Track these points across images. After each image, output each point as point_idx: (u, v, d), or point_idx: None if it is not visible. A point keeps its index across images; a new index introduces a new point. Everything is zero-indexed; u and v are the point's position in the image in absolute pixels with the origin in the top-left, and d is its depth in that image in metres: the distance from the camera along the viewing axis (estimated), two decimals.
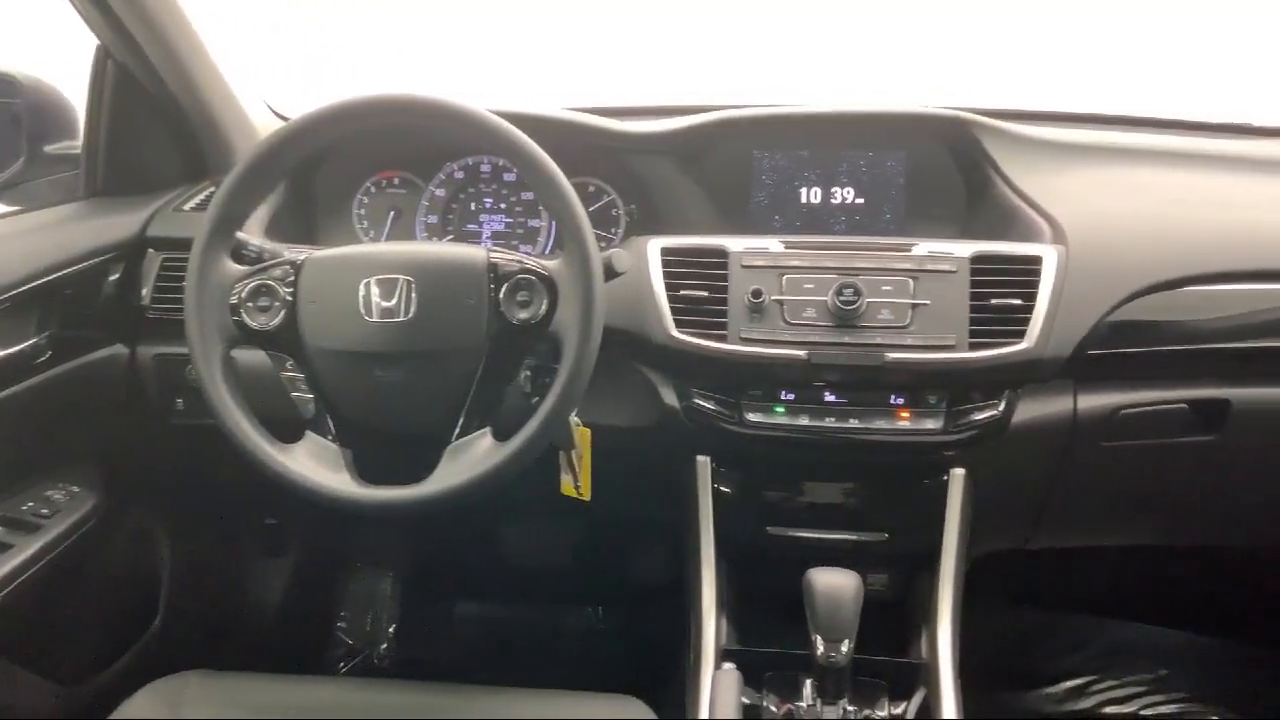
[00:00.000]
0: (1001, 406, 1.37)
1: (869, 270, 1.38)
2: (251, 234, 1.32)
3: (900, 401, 1.38)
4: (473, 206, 1.68)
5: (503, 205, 1.68)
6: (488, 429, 1.22)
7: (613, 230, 1.65)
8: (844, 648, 1.23)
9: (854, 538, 1.45)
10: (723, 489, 1.46)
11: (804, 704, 1.28)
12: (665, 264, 1.41)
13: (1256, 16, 2.13)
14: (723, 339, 1.37)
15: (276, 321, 1.23)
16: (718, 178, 1.62)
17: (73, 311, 1.47)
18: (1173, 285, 1.37)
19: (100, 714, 1.22)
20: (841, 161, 1.63)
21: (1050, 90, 1.99)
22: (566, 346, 1.19)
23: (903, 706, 1.37)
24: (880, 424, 1.38)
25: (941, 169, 1.60)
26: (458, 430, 1.22)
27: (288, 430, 1.24)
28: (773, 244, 1.43)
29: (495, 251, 1.24)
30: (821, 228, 1.63)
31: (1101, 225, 1.43)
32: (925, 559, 1.43)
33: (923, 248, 1.40)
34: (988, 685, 1.90)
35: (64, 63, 1.62)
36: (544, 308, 1.21)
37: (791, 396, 1.40)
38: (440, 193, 1.68)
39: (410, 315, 1.20)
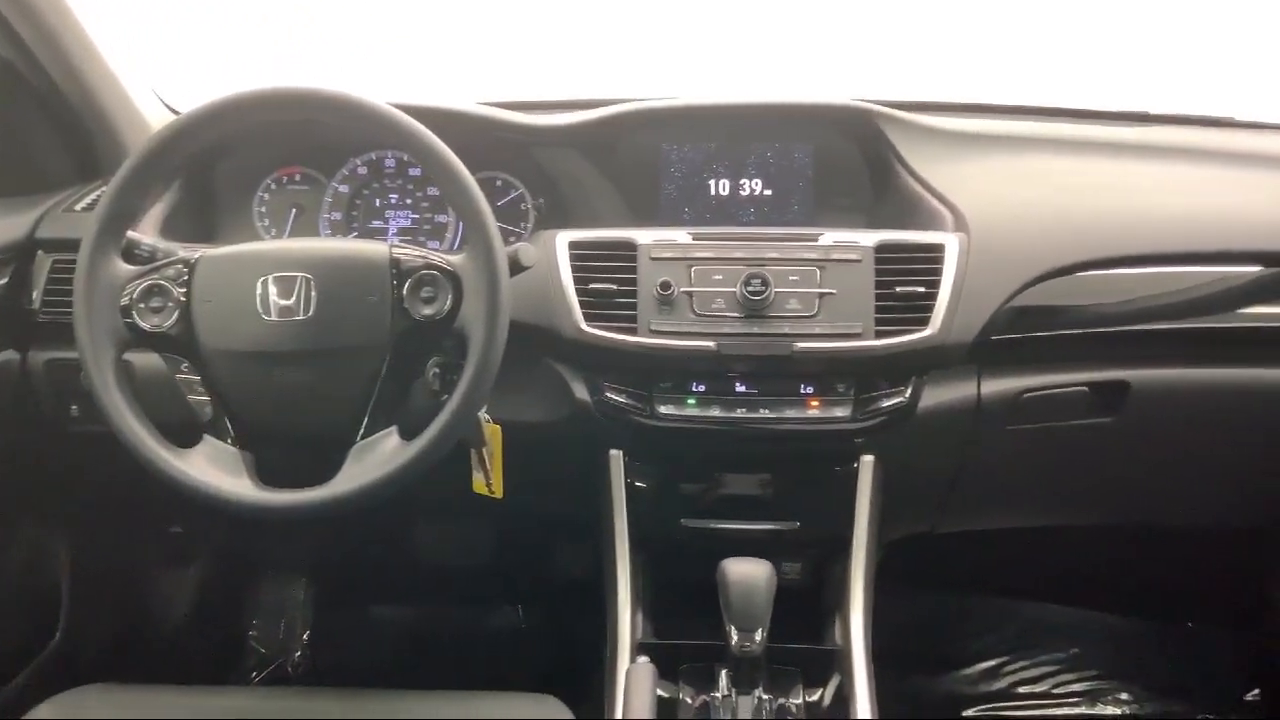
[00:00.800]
0: (908, 393, 1.39)
1: (776, 261, 1.39)
2: (146, 233, 1.29)
3: (809, 390, 1.39)
4: (378, 203, 1.65)
5: (408, 201, 1.65)
6: (394, 428, 1.20)
7: (522, 224, 1.64)
8: (758, 637, 1.24)
9: (767, 527, 1.46)
10: (636, 482, 1.45)
11: (719, 695, 1.28)
12: (573, 257, 1.40)
13: (1151, 5, 2.19)
14: (632, 332, 1.36)
15: (170, 323, 1.19)
16: (627, 170, 1.62)
17: None
18: (1071, 270, 1.40)
19: None
20: (750, 153, 1.63)
21: (952, 81, 2.02)
22: (472, 343, 1.17)
23: (818, 693, 1.38)
24: (790, 413, 1.39)
25: (847, 159, 1.61)
26: (362, 430, 1.20)
27: (185, 435, 1.20)
28: (681, 236, 1.42)
29: (398, 247, 1.22)
30: (731, 219, 1.63)
31: (1001, 213, 1.45)
32: (838, 546, 1.44)
33: (829, 237, 1.41)
34: (902, 669, 1.92)
35: None
36: (448, 304, 1.19)
37: (702, 388, 1.40)
38: (343, 189, 1.64)
39: (310, 314, 1.17)
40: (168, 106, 1.71)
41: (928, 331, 1.34)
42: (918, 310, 1.35)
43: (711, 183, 1.64)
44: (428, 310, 1.19)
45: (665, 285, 1.36)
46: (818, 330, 1.35)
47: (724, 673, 1.29)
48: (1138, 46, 2.16)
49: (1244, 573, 2.00)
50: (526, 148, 1.60)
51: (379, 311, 1.19)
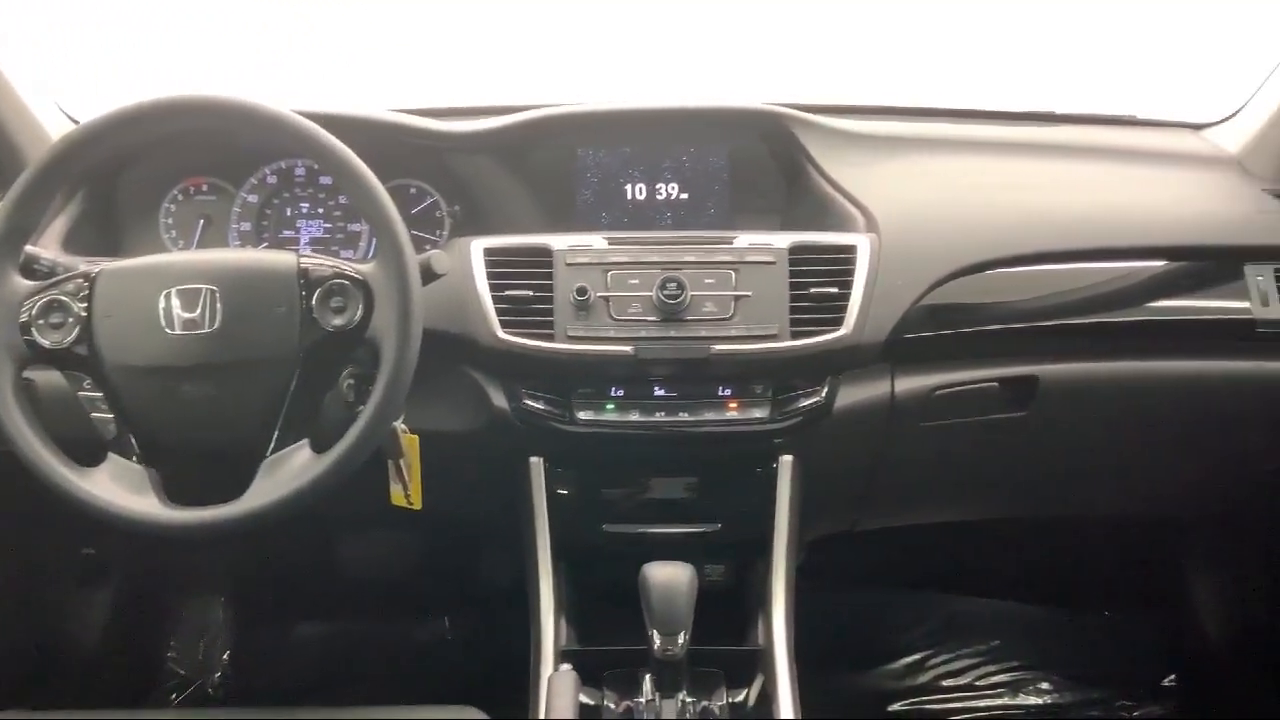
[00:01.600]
0: (824, 393, 1.40)
1: (692, 264, 1.39)
2: (48, 248, 1.25)
3: (728, 392, 1.40)
4: (288, 212, 1.62)
5: (320, 210, 1.62)
6: (305, 441, 1.18)
7: (437, 232, 1.63)
8: (680, 640, 1.23)
9: (689, 530, 1.46)
10: (557, 489, 1.45)
11: (643, 700, 1.28)
12: (489, 264, 1.39)
13: (1054, 8, 2.24)
14: (549, 338, 1.36)
15: (71, 339, 1.16)
16: (542, 176, 1.61)
17: None
18: (980, 268, 1.42)
19: None
20: (665, 157, 1.64)
21: (863, 84, 2.05)
22: (384, 353, 1.16)
23: (742, 694, 1.38)
24: (709, 415, 1.40)
25: (761, 163, 1.62)
26: (273, 444, 1.18)
27: (89, 453, 1.17)
28: (597, 241, 1.42)
29: (306, 257, 1.21)
30: (648, 223, 1.63)
31: (911, 213, 1.47)
32: (759, 546, 1.45)
33: (743, 240, 1.42)
34: (828, 667, 1.94)
35: None
36: (359, 313, 1.18)
37: (621, 393, 1.40)
38: (252, 199, 1.61)
39: (215, 326, 1.15)
40: (69, 117, 1.67)
41: (842, 331, 1.36)
42: (832, 311, 1.37)
43: (628, 187, 1.64)
44: (338, 320, 1.18)
45: (581, 291, 1.36)
46: (734, 333, 1.36)
47: (647, 677, 1.29)
48: (1042, 49, 2.20)
49: (1159, 561, 2.05)
50: (440, 154, 1.58)
51: (287, 323, 1.17)
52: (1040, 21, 2.27)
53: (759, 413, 1.40)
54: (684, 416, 1.39)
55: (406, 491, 1.39)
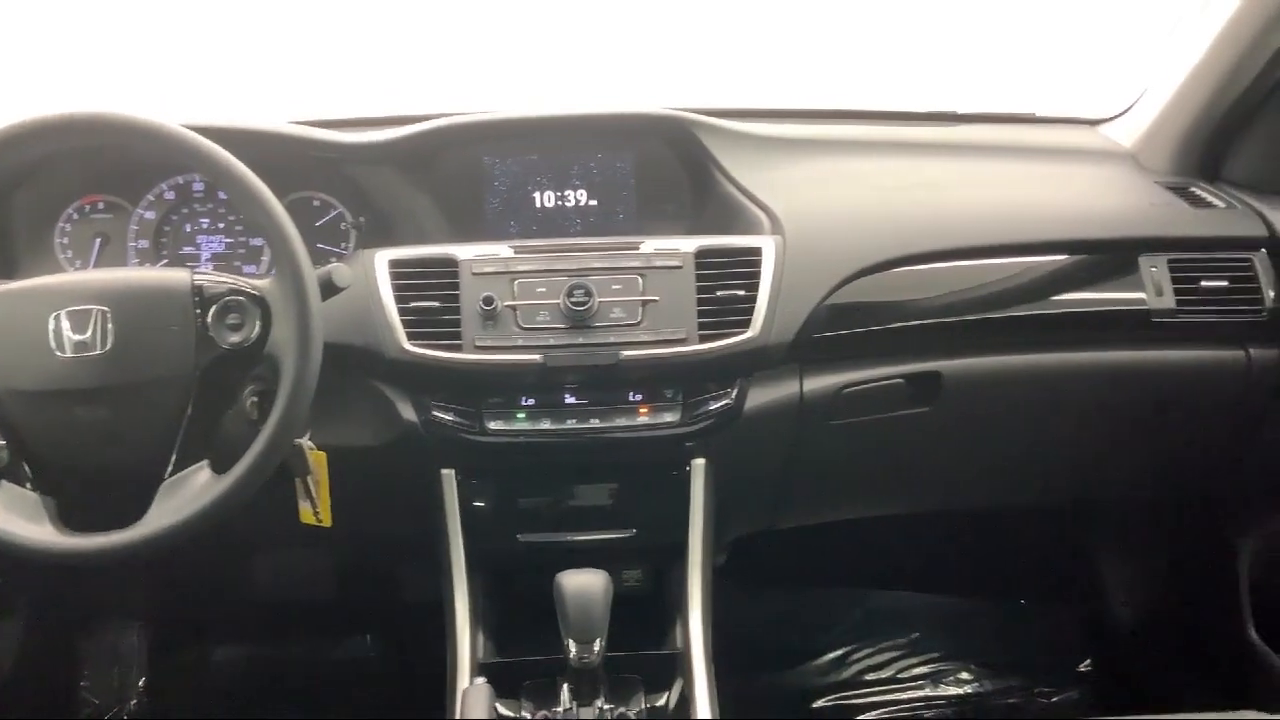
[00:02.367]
0: (734, 394, 1.41)
1: (599, 270, 1.39)
2: None
3: (638, 398, 1.40)
4: (188, 228, 1.59)
5: (220, 225, 1.59)
6: (205, 462, 1.16)
7: (343, 244, 1.60)
8: (596, 647, 1.23)
9: (604, 536, 1.46)
10: (471, 500, 1.44)
11: (560, 709, 1.27)
12: (394, 276, 1.37)
13: (956, 11, 2.28)
14: (457, 349, 1.35)
15: None
16: (449, 186, 1.60)
17: None
18: (883, 267, 1.44)
19: None
20: (573, 164, 1.63)
21: (768, 88, 2.06)
22: (284, 369, 1.14)
23: (661, 698, 1.38)
24: (620, 421, 1.40)
25: (668, 168, 1.63)
26: (171, 466, 1.16)
27: None
28: (502, 250, 1.42)
29: (201, 274, 1.19)
30: (558, 230, 1.63)
31: (816, 214, 1.49)
32: (676, 550, 1.45)
33: (649, 245, 1.42)
34: (750, 667, 1.96)
35: None
36: (257, 330, 1.16)
37: (532, 401, 1.39)
38: (150, 215, 1.58)
39: (108, 348, 1.13)
40: None
41: (749, 333, 1.37)
42: (739, 313, 1.38)
43: (536, 195, 1.63)
44: (235, 338, 1.16)
45: (488, 300, 1.35)
46: (642, 338, 1.36)
47: (565, 686, 1.29)
48: (944, 49, 2.24)
49: (1071, 549, 2.09)
50: (343, 166, 1.56)
51: (182, 342, 1.15)
52: (942, 23, 2.31)
53: (670, 417, 1.40)
54: (595, 423, 1.39)
55: (316, 509, 1.36)
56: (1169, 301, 1.49)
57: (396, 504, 1.50)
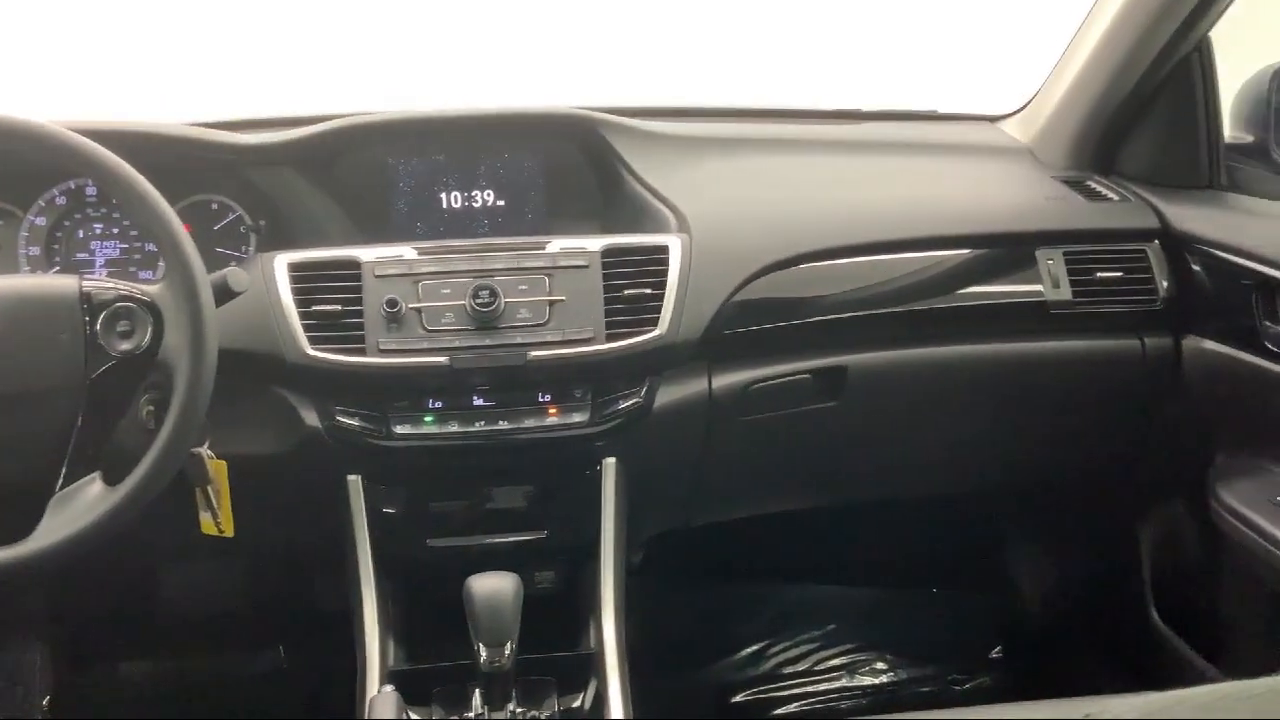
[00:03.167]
0: (643, 393, 1.41)
1: (505, 271, 1.38)
2: None
3: (547, 398, 1.39)
4: (81, 234, 1.54)
5: (115, 230, 1.54)
6: (97, 474, 1.12)
7: (243, 248, 1.57)
8: (506, 651, 1.22)
9: (515, 539, 1.45)
10: (380, 506, 1.41)
11: (471, 714, 1.26)
12: (294, 279, 1.35)
13: (856, 11, 2.31)
14: (361, 352, 1.33)
15: None
16: (352, 187, 1.58)
17: None
18: (789, 264, 1.46)
19: None
20: (480, 164, 1.62)
21: (676, 87, 2.07)
22: (178, 376, 1.11)
23: (579, 699, 1.38)
24: (530, 422, 1.39)
25: (576, 167, 1.62)
26: (61, 479, 1.12)
27: None
28: (406, 251, 1.40)
29: (90, 279, 1.15)
30: (465, 231, 1.61)
31: (722, 212, 1.50)
32: (588, 550, 1.45)
33: (555, 245, 1.42)
34: (667, 665, 1.96)
35: None
36: (148, 337, 1.13)
37: (439, 404, 1.38)
38: (41, 221, 1.52)
39: None
40: None
41: (657, 332, 1.37)
42: (646, 311, 1.38)
43: (443, 196, 1.61)
44: (126, 345, 1.13)
45: (392, 303, 1.33)
46: (550, 338, 1.36)
47: (476, 691, 1.27)
48: (849, 49, 2.27)
49: (981, 538, 2.13)
50: (241, 168, 1.53)
51: (71, 350, 1.11)
52: (846, 22, 2.34)
53: (579, 417, 1.40)
54: (504, 425, 1.38)
55: (217, 519, 1.33)
56: (1065, 293, 1.52)
57: (302, 512, 1.47)
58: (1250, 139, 1.61)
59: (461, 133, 1.61)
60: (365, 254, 1.38)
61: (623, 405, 1.41)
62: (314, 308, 1.34)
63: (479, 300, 1.34)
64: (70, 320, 1.11)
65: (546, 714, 1.31)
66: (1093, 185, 1.65)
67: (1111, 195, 1.62)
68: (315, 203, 1.56)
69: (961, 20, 2.36)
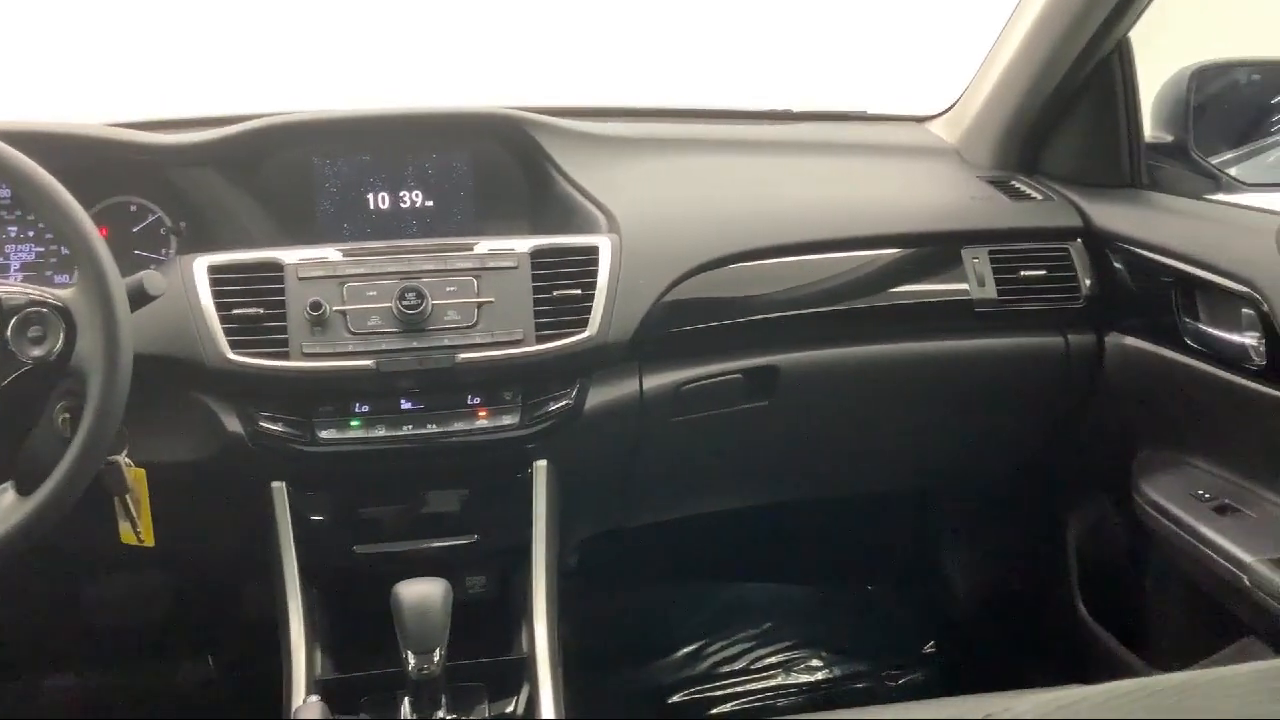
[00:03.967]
0: (574, 395, 1.40)
1: (432, 272, 1.37)
2: None
3: (477, 401, 1.38)
4: None
5: (30, 234, 1.50)
6: (9, 484, 1.09)
7: (163, 250, 1.53)
8: (436, 657, 1.21)
9: (445, 544, 1.43)
10: (304, 513, 1.39)
11: None
12: (214, 282, 1.32)
13: (786, 12, 2.33)
14: (284, 356, 1.30)
15: None
16: (276, 188, 1.55)
17: None
18: (718, 264, 1.46)
19: None
20: (407, 165, 1.60)
21: (606, 87, 2.07)
22: (91, 383, 1.08)
23: (511, 704, 1.36)
24: (459, 425, 1.37)
25: (505, 167, 1.61)
26: None
27: None
28: (331, 253, 1.38)
29: (0, 285, 1.11)
30: (393, 233, 1.59)
31: (652, 213, 1.49)
32: (520, 554, 1.43)
33: (484, 246, 1.40)
34: (604, 667, 1.95)
35: None
36: (61, 343, 1.10)
37: (366, 408, 1.36)
38: None
39: None
40: None
41: (587, 333, 1.36)
42: (576, 312, 1.37)
43: (370, 196, 1.59)
44: (37, 351, 1.09)
45: (316, 305, 1.31)
46: (478, 340, 1.34)
47: (405, 699, 1.26)
48: (780, 50, 2.28)
49: (914, 535, 2.15)
50: (160, 169, 1.50)
51: None
52: (778, 23, 2.35)
53: (509, 419, 1.39)
54: (433, 428, 1.37)
55: (137, 529, 1.30)
56: (991, 292, 1.54)
57: (226, 520, 1.44)
58: (1170, 138, 1.64)
59: (388, 133, 1.59)
60: (288, 256, 1.35)
61: (553, 407, 1.40)
62: (235, 311, 1.31)
63: (406, 302, 1.32)
64: None
65: (477, 719, 1.29)
66: (1017, 185, 1.67)
67: (1035, 194, 1.65)
68: (238, 204, 1.53)
69: (891, 21, 2.38)
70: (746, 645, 2.07)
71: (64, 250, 1.50)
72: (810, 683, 2.04)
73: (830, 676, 2.05)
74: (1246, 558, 1.27)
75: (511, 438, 1.39)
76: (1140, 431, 1.58)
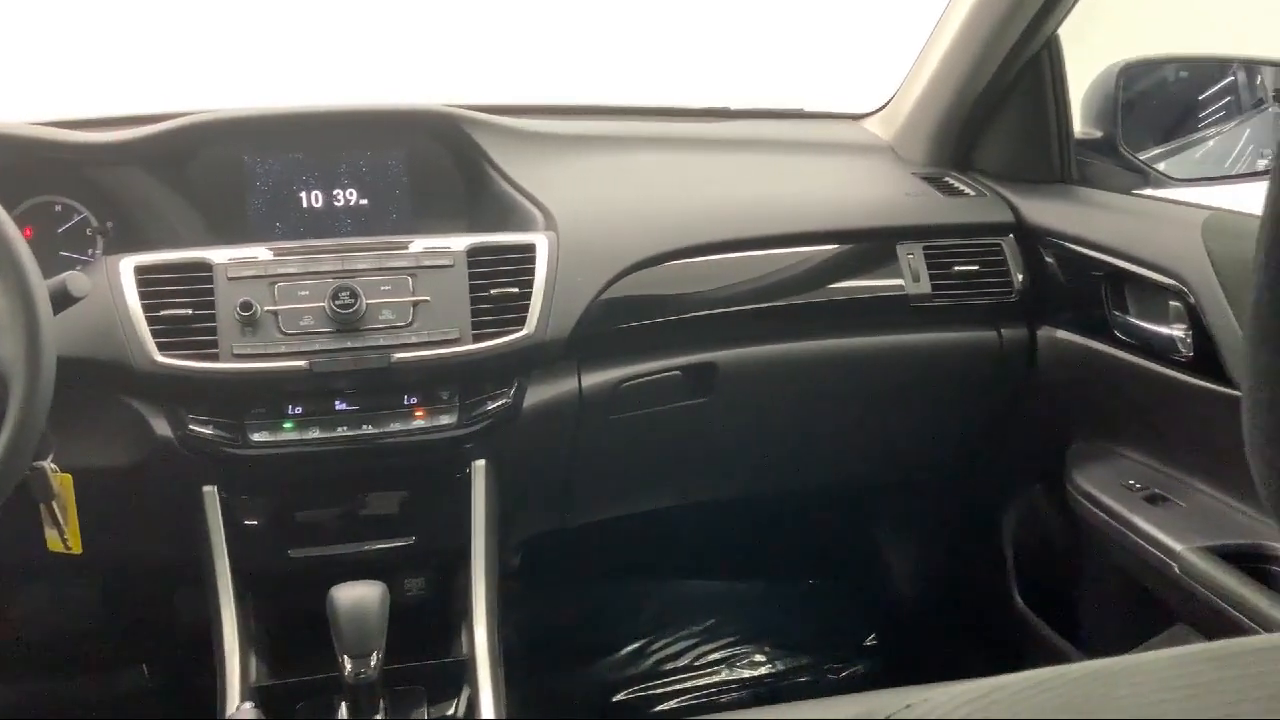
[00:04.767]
0: (512, 393, 1.39)
1: (366, 271, 1.35)
2: None
3: (413, 401, 1.37)
4: None
5: None
6: None
7: (90, 251, 1.50)
8: (373, 661, 1.19)
9: (381, 546, 1.41)
10: (236, 517, 1.37)
11: None
12: (141, 283, 1.29)
13: (724, 10, 2.34)
14: (214, 358, 1.28)
15: None
16: (205, 186, 1.52)
17: None
18: (656, 261, 1.46)
19: None
20: (341, 162, 1.58)
21: (540, 84, 2.06)
22: (13, 388, 1.05)
23: (451, 706, 1.35)
24: (395, 426, 1.36)
25: (441, 165, 1.59)
26: None
27: None
28: (261, 252, 1.35)
29: None
30: (327, 231, 1.57)
31: (589, 210, 1.49)
32: (460, 555, 1.42)
33: (419, 244, 1.39)
34: (547, 667, 1.94)
35: None
36: None
37: (299, 410, 1.34)
38: None
39: None
40: None
41: (525, 331, 1.36)
42: (513, 311, 1.36)
43: (303, 195, 1.57)
44: None
45: (246, 306, 1.29)
46: (414, 339, 1.33)
47: (342, 704, 1.24)
48: (718, 48, 2.29)
49: (854, 529, 2.17)
50: (85, 168, 1.46)
51: None
52: (715, 21, 2.36)
53: (447, 419, 1.37)
54: (368, 429, 1.35)
55: (64, 536, 1.27)
56: (925, 287, 1.55)
57: (158, 525, 1.41)
58: (1099, 134, 1.66)
59: (321, 130, 1.56)
60: (217, 255, 1.33)
61: (491, 406, 1.39)
62: (163, 312, 1.29)
63: (339, 302, 1.31)
64: None
65: None
66: (950, 181, 1.69)
67: (968, 191, 1.66)
68: (166, 203, 1.50)
69: (829, 19, 2.40)
70: (690, 642, 2.07)
71: None
72: (753, 677, 2.05)
73: (773, 671, 2.05)
74: (1176, 546, 1.29)
75: (449, 438, 1.38)
76: (1073, 423, 1.60)
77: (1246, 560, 1.24)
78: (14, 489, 1.09)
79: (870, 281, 1.58)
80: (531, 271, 1.38)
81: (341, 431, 1.34)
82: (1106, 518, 1.44)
